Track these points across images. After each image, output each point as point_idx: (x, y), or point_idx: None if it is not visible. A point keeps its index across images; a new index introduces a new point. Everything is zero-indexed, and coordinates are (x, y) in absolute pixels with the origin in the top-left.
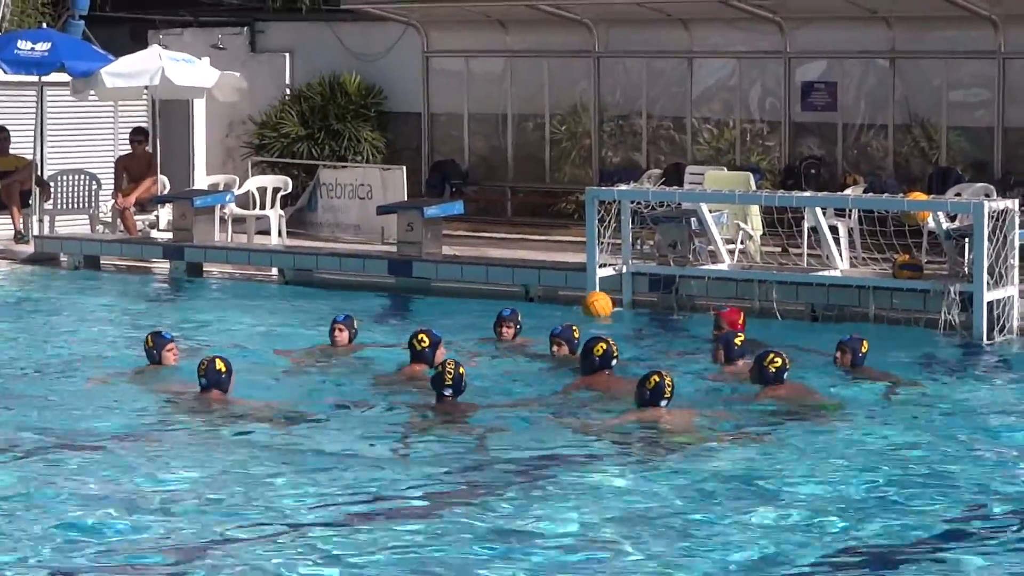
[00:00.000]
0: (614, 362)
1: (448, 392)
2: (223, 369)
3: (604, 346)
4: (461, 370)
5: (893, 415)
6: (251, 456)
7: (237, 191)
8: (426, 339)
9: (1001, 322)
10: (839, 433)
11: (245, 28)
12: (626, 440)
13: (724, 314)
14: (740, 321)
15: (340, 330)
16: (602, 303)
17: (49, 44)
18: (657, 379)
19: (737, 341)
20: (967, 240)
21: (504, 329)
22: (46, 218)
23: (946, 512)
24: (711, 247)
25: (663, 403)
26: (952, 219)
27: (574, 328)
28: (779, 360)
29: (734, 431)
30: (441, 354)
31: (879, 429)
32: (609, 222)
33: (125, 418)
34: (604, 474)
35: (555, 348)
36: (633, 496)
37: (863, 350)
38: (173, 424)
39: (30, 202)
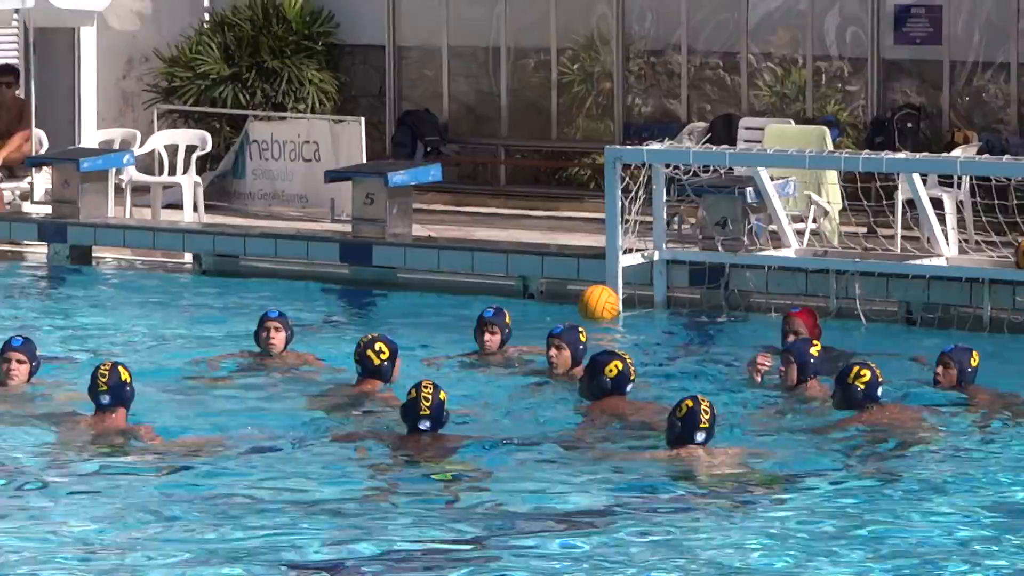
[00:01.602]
0: (629, 387)
1: (425, 425)
2: (128, 380)
3: (619, 365)
4: (442, 395)
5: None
6: (160, 505)
7: (138, 150)
8: (385, 350)
9: None
10: (943, 477)
11: None
12: (647, 491)
13: (797, 315)
14: (815, 325)
15: (276, 329)
16: (605, 301)
17: None
18: (691, 404)
19: (813, 351)
20: None
21: (487, 335)
22: None
23: None
24: (773, 226)
25: (699, 436)
26: None
27: (580, 329)
28: (867, 373)
29: (800, 473)
30: (398, 367)
31: (995, 474)
32: (636, 193)
33: None
34: (617, 539)
35: (553, 352)
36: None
37: (972, 364)
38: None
39: None
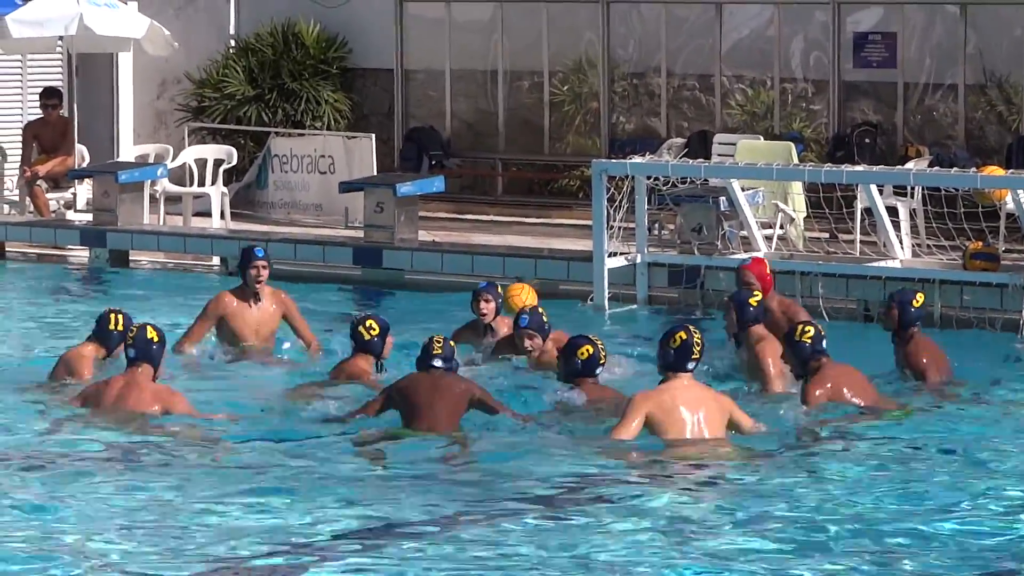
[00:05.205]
0: (599, 371)
1: (439, 363)
2: (155, 339)
3: (590, 349)
4: (452, 343)
5: (969, 437)
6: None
7: (171, 164)
8: (375, 326)
9: None
10: (900, 454)
11: None
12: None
13: (748, 266)
14: (765, 274)
15: (264, 267)
16: (525, 297)
17: None
18: (684, 335)
19: (752, 301)
20: None
21: (483, 304)
22: None
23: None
24: (744, 232)
25: (690, 365)
26: None
27: (540, 311)
28: (811, 329)
29: (771, 449)
30: (390, 344)
31: (952, 456)
32: (620, 202)
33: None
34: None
35: (528, 343)
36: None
37: (916, 303)
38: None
39: None
